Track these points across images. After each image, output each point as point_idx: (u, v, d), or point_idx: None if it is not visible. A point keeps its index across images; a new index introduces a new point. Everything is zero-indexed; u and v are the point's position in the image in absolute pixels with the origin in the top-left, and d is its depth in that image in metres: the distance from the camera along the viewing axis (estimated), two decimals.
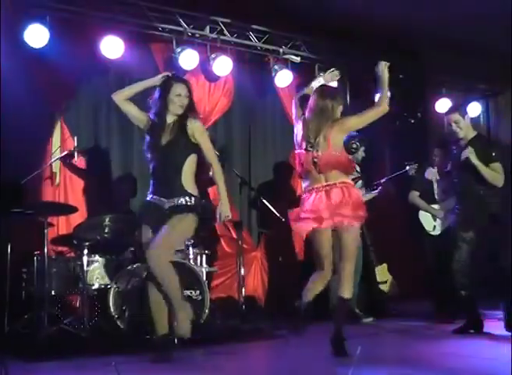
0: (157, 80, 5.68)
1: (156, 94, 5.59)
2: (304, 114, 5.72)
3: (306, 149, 5.54)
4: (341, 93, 6.16)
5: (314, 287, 5.63)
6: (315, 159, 5.47)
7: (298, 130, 5.71)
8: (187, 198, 5.41)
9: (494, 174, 6.48)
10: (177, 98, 5.53)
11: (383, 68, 5.70)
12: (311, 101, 5.65)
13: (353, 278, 5.61)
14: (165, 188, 5.46)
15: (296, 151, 5.73)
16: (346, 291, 5.48)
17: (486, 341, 6.21)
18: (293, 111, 5.89)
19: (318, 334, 6.88)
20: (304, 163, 5.56)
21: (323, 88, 5.80)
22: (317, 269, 5.64)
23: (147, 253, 5.27)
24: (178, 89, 5.55)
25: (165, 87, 5.55)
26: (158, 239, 5.32)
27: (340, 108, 5.65)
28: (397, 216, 5.97)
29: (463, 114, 6.63)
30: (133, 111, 5.71)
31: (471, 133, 6.67)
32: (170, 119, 5.57)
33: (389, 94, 5.64)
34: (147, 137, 5.57)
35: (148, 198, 5.55)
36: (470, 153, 6.42)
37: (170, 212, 5.39)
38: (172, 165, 5.45)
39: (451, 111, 6.77)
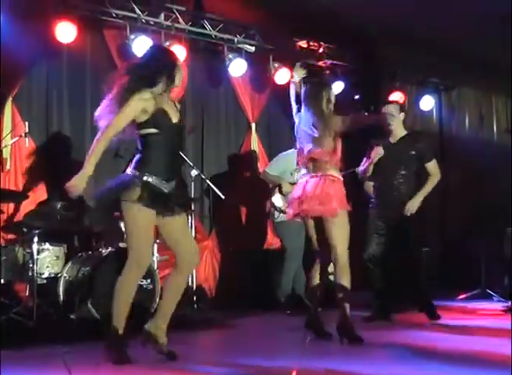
0: None
1: None
2: None
3: None
4: None
5: None
6: None
7: None
8: None
9: (429, 188, 6.68)
10: None
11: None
12: None
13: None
14: None
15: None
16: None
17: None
18: None
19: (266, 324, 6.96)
20: None
21: None
22: None
23: None
24: None
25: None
26: None
27: None
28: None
29: (401, 109, 6.70)
30: None
31: (401, 132, 6.72)
32: None
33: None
34: None
35: None
36: (411, 210, 6.58)
37: None
38: None
39: (389, 102, 6.84)
